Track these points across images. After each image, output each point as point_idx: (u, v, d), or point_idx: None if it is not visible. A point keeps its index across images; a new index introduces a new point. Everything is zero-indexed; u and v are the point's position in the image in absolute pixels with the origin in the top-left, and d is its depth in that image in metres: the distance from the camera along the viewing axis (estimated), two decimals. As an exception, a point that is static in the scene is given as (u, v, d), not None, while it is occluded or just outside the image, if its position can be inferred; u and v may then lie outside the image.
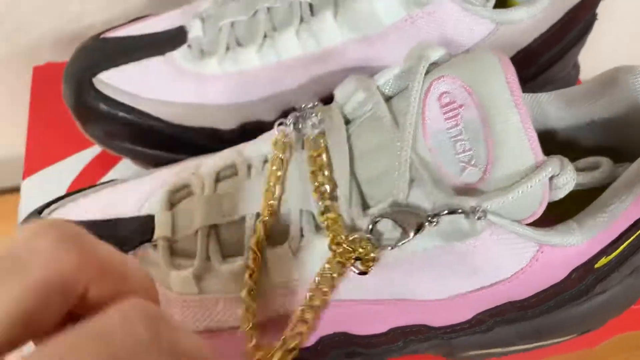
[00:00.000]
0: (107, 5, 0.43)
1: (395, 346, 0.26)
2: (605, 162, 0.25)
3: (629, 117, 0.25)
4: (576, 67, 0.38)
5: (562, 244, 0.23)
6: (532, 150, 0.21)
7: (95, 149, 0.38)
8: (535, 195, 0.22)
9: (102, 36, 0.35)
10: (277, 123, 0.25)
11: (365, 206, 0.23)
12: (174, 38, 0.34)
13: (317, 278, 0.23)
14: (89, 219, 0.28)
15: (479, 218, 0.21)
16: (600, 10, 0.35)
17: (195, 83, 0.33)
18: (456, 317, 0.25)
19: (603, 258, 0.25)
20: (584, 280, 0.26)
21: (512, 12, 0.30)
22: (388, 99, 0.25)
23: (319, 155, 0.24)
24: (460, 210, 0.20)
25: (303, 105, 0.26)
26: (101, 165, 0.38)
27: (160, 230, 0.27)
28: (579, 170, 0.25)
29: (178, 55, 0.33)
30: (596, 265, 0.26)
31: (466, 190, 0.22)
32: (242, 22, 0.33)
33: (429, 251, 0.22)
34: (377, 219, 0.22)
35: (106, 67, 0.33)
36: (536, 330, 0.29)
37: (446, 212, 0.20)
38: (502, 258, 0.23)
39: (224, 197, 0.26)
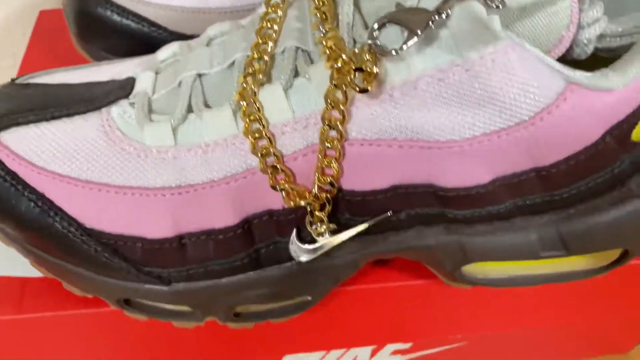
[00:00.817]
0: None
1: (396, 219, 0.23)
2: (635, 15, 0.22)
3: None
4: None
5: (594, 86, 0.20)
6: None
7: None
8: (563, 12, 0.19)
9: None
10: (275, -38, 0.23)
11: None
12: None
13: (321, 109, 0.20)
14: (61, 82, 0.25)
15: (497, 6, 0.18)
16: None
17: (197, -14, 0.31)
18: (470, 174, 0.21)
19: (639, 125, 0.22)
20: (618, 156, 0.22)
21: None
22: None
23: None
24: None
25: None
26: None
27: (141, 86, 0.24)
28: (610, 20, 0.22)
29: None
30: (633, 137, 0.22)
31: None
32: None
33: (441, 68, 0.19)
34: (380, 25, 0.19)
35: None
36: (561, 236, 0.24)
37: None
38: (524, 85, 0.19)
39: (213, 48, 0.24)
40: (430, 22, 0.18)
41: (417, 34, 0.18)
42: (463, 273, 0.26)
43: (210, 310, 0.24)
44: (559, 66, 0.20)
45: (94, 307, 0.26)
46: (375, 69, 0.19)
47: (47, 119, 0.24)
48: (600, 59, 0.23)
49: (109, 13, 0.32)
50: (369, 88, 0.19)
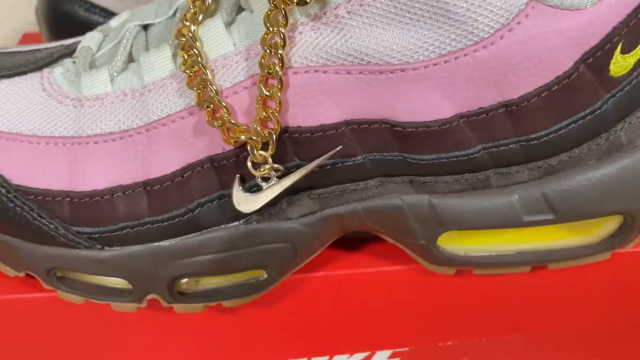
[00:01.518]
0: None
1: (352, 163, 0.20)
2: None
3: None
4: None
5: (558, 3, 0.18)
6: None
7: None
8: None
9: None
10: None
11: None
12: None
13: (264, 37, 0.19)
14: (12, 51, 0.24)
15: None
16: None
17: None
18: (428, 106, 0.19)
19: (618, 53, 0.20)
20: (597, 95, 0.20)
21: None
22: None
23: None
24: None
25: None
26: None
27: (85, 43, 0.23)
28: None
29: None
30: (612, 71, 0.20)
31: None
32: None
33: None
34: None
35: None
36: (545, 197, 0.22)
37: None
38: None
39: (160, 2, 0.23)
40: None
41: None
42: (440, 249, 0.23)
43: (150, 285, 0.22)
44: None
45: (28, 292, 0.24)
46: (315, -17, 0.18)
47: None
48: None
49: (76, 8, 0.31)
50: (308, 1, 0.18)
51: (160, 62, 0.20)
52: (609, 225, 0.24)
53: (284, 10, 0.18)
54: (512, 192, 0.22)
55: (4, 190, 0.21)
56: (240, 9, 0.20)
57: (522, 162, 0.21)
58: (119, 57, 0.21)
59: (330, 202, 0.21)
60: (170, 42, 0.21)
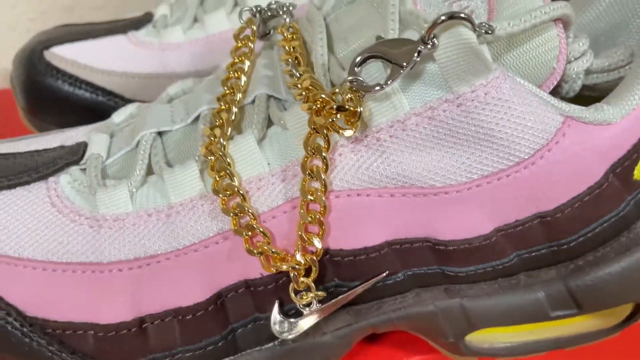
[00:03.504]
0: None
1: (393, 282, 0.20)
2: (623, 47, 0.21)
3: (630, 13, 0.23)
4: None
5: (591, 119, 0.19)
6: None
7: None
8: (550, 43, 0.18)
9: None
10: (240, 11, 0.22)
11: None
12: (139, 20, 0.32)
13: (300, 158, 0.18)
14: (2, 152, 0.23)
15: (486, 32, 0.16)
16: None
17: (156, 52, 0.30)
18: (469, 224, 0.19)
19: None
20: (622, 198, 0.21)
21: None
22: None
23: (294, 39, 0.21)
24: (462, 15, 0.16)
25: (272, 1, 0.22)
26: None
27: (94, 149, 0.21)
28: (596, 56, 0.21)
29: (141, 33, 0.31)
30: (636, 175, 0.21)
31: None
32: None
33: (430, 106, 0.18)
34: (362, 59, 0.17)
35: (61, 42, 0.30)
36: (570, 292, 0.22)
37: (444, 17, 0.16)
38: (521, 120, 0.18)
39: (175, 105, 0.22)
40: (416, 54, 0.17)
41: (402, 68, 0.17)
42: (467, 343, 0.23)
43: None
44: (553, 100, 0.19)
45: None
46: (359, 108, 0.17)
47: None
48: (585, 101, 0.22)
49: (60, 83, 0.29)
50: (353, 129, 0.17)
51: (188, 181, 0.19)
52: (625, 310, 0.24)
53: (327, 135, 0.18)
54: (539, 289, 0.22)
55: (17, 324, 0.19)
56: (269, 122, 0.20)
57: (551, 264, 0.21)
58: (137, 172, 0.20)
59: (366, 315, 0.21)
60: (196, 158, 0.19)
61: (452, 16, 0.16)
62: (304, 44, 0.21)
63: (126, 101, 0.30)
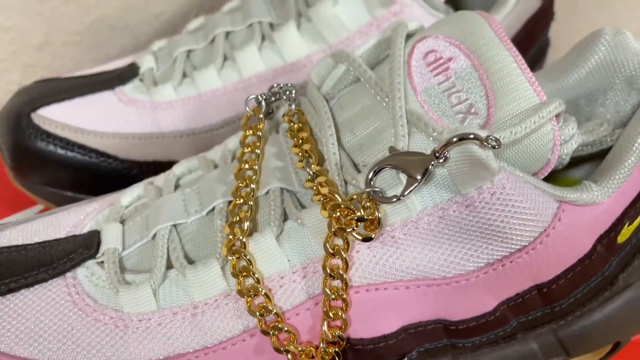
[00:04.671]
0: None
1: (407, 358, 0.21)
2: (606, 123, 0.23)
3: (610, 83, 0.24)
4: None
5: (582, 201, 0.20)
6: (533, 90, 0.20)
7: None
8: (545, 137, 0.20)
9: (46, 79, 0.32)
10: (247, 99, 0.22)
11: (358, 171, 0.20)
12: (124, 74, 0.31)
13: (318, 255, 0.19)
14: (12, 244, 0.23)
15: (493, 146, 0.18)
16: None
17: (147, 111, 0.30)
18: (478, 305, 0.21)
19: (625, 227, 0.22)
20: (607, 260, 0.23)
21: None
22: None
23: (301, 128, 0.21)
24: (472, 136, 0.17)
25: (275, 85, 0.23)
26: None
27: (109, 242, 0.22)
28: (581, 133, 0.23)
29: (129, 88, 0.31)
30: (619, 239, 0.23)
31: None
32: (199, 49, 0.31)
33: (440, 207, 0.19)
34: (377, 169, 0.18)
35: (47, 103, 0.30)
36: (560, 341, 0.24)
37: (456, 139, 0.17)
38: (524, 213, 0.19)
39: (187, 194, 0.22)
40: (429, 167, 0.18)
41: (417, 180, 0.18)
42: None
43: None
44: (550, 188, 0.20)
45: None
46: (377, 215, 0.18)
47: (2, 294, 0.21)
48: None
49: (51, 147, 0.29)
50: (373, 235, 0.18)
51: (211, 280, 0.20)
52: (607, 347, 0.27)
53: (346, 238, 0.19)
54: (533, 341, 0.24)
55: None
56: (285, 216, 0.20)
57: (545, 323, 0.23)
58: (158, 269, 0.20)
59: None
60: (217, 256, 0.20)
61: (462, 137, 0.17)
62: (311, 131, 0.22)
63: (121, 161, 0.30)
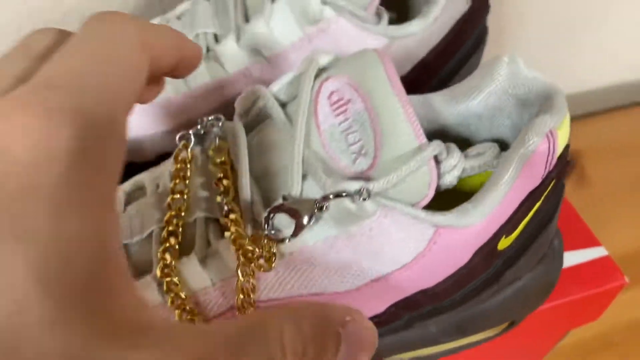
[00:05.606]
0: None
1: None
2: (491, 147, 0.26)
3: (507, 105, 0.27)
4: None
5: (458, 225, 0.24)
6: (414, 133, 0.23)
7: None
8: (423, 176, 0.23)
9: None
10: (178, 136, 0.26)
11: (267, 205, 0.24)
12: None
13: (235, 280, 0.23)
14: None
15: (364, 199, 0.21)
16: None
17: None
18: (369, 309, 0.25)
19: (503, 238, 0.26)
20: (490, 264, 0.27)
21: (404, 28, 0.32)
22: (284, 105, 0.26)
23: (223, 162, 0.25)
24: (345, 194, 0.21)
25: (205, 119, 0.26)
26: None
27: None
28: (468, 157, 0.26)
29: None
30: (499, 247, 0.27)
31: (358, 178, 0.23)
32: None
33: (329, 240, 0.23)
34: (272, 214, 0.22)
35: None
36: (457, 324, 0.29)
37: (332, 196, 0.21)
38: (400, 241, 0.23)
39: (132, 216, 0.27)
40: (314, 212, 0.22)
41: (303, 225, 0.22)
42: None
43: None
44: (428, 216, 0.24)
45: None
46: (274, 251, 0.22)
47: None
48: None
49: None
50: (270, 269, 0.23)
51: (149, 295, 0.24)
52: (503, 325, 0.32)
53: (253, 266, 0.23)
54: (431, 326, 0.29)
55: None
56: (209, 243, 0.25)
57: (436, 315, 0.28)
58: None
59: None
60: (153, 275, 0.25)
61: (338, 195, 0.21)
62: (232, 165, 0.25)
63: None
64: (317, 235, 0.23)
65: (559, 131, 0.25)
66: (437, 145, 0.23)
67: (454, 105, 0.28)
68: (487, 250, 0.26)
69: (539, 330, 0.38)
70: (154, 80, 0.22)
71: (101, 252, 0.15)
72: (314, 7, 0.30)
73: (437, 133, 0.29)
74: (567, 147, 0.27)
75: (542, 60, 0.53)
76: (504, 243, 0.27)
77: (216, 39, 0.33)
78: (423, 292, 0.26)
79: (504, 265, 0.28)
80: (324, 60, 0.26)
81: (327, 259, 0.23)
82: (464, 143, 0.29)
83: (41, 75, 0.16)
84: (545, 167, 0.25)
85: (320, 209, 0.22)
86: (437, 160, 0.24)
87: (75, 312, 0.14)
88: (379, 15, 0.32)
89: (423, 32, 0.33)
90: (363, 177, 0.23)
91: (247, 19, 0.32)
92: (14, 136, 0.15)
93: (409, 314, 0.27)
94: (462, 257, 0.25)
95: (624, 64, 0.68)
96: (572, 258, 0.37)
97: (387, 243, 0.23)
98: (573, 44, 0.62)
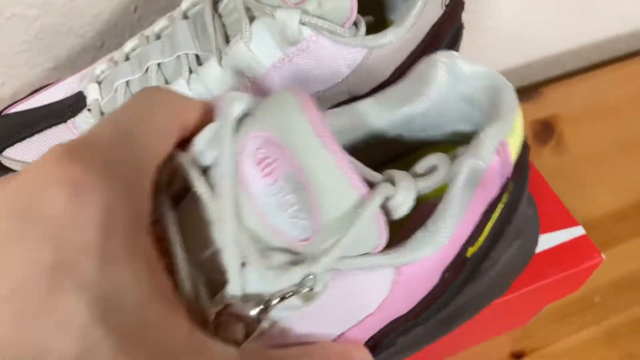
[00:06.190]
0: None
1: None
2: (442, 161, 0.23)
3: (455, 105, 0.26)
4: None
5: (417, 259, 0.23)
6: (352, 187, 0.20)
7: None
8: (370, 230, 0.21)
9: (3, 113, 0.36)
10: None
11: (214, 291, 0.22)
12: (74, 104, 0.35)
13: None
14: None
15: (311, 289, 0.21)
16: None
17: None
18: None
19: (470, 248, 0.25)
20: (462, 270, 0.26)
21: (380, 37, 0.33)
22: (206, 170, 0.22)
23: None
24: (290, 294, 0.21)
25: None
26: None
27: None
28: (418, 176, 0.23)
29: (79, 120, 0.34)
30: (467, 255, 0.25)
31: (303, 249, 0.21)
32: (136, 79, 0.34)
33: (292, 315, 0.22)
34: (218, 320, 0.21)
35: (11, 143, 0.34)
36: (440, 323, 0.29)
37: (277, 301, 0.21)
38: (363, 294, 0.23)
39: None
40: (261, 316, 0.21)
41: (253, 330, 0.21)
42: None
43: None
44: (385, 259, 0.22)
45: None
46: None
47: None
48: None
49: None
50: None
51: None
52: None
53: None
54: (412, 336, 0.28)
55: None
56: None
57: (416, 326, 0.28)
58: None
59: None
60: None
61: (282, 297, 0.21)
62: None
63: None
64: (279, 313, 0.22)
65: (510, 139, 0.23)
66: (382, 192, 0.20)
67: (387, 110, 0.27)
68: (456, 264, 0.25)
69: (517, 309, 0.39)
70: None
71: (147, 291, 0.18)
72: (292, 28, 0.30)
73: (371, 141, 0.27)
74: (524, 146, 0.25)
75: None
76: (471, 250, 0.25)
77: (198, 59, 0.33)
78: (398, 318, 0.26)
79: (478, 261, 0.26)
80: (239, 107, 0.22)
81: (293, 327, 0.22)
82: (403, 145, 0.28)
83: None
84: (501, 179, 0.24)
85: (266, 309, 0.21)
86: (385, 202, 0.21)
87: (134, 345, 0.17)
88: (356, 25, 0.33)
89: (400, 39, 0.33)
90: (310, 244, 0.21)
91: (227, 39, 0.32)
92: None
93: (389, 337, 0.27)
94: (431, 280, 0.25)
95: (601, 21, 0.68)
96: (552, 239, 0.37)
97: (347, 300, 0.23)
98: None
